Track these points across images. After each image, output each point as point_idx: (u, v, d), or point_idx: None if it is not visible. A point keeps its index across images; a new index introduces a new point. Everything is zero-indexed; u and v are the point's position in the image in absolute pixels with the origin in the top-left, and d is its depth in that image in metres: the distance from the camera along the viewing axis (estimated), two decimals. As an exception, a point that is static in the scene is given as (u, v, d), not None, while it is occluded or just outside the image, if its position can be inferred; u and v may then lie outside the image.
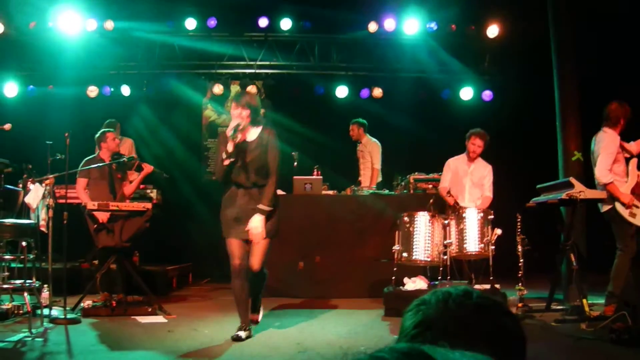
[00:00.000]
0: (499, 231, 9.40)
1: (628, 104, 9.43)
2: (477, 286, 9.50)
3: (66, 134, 8.93)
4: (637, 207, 8.93)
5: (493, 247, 9.38)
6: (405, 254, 9.65)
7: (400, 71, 15.77)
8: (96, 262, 11.03)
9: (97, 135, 10.37)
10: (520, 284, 9.09)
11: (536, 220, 10.40)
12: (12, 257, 8.85)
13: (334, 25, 15.41)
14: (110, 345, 7.15)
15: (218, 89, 16.01)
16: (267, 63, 15.91)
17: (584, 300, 8.61)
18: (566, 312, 9.00)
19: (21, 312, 8.62)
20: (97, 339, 7.55)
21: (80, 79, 15.51)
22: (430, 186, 11.70)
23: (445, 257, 9.52)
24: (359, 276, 11.52)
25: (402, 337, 1.66)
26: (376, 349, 1.40)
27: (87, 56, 15.36)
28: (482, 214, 9.61)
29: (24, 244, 8.48)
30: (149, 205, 9.75)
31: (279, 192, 8.67)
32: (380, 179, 13.34)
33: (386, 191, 12.43)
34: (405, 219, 9.79)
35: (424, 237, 9.62)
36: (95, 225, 9.52)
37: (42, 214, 9.31)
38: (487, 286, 9.26)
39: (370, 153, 13.40)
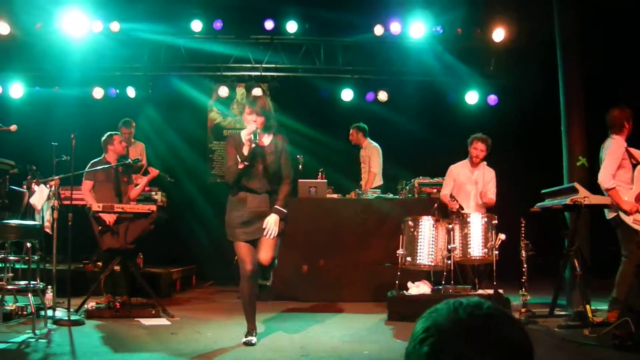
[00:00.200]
0: (502, 236, 9.40)
1: (628, 105, 9.43)
2: (480, 291, 9.52)
3: (72, 136, 8.94)
4: None
5: (497, 252, 9.38)
6: (409, 258, 9.65)
7: (405, 74, 15.79)
8: (100, 263, 11.07)
9: (103, 137, 10.39)
10: (523, 289, 9.11)
11: (540, 226, 10.42)
12: (16, 258, 8.86)
13: (340, 28, 15.41)
14: (114, 347, 7.16)
15: (224, 91, 16.02)
16: (273, 65, 15.93)
17: (587, 306, 8.61)
18: (569, 317, 8.98)
19: (25, 313, 8.63)
20: (101, 340, 7.56)
21: (86, 80, 15.55)
22: (435, 190, 11.68)
23: (449, 261, 9.52)
24: (363, 280, 11.52)
25: (411, 341, 1.69)
26: None
27: (93, 57, 15.38)
28: (486, 219, 9.61)
29: (28, 245, 8.48)
30: (153, 208, 9.75)
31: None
32: (380, 182, 13.34)
33: (390, 195, 12.44)
34: (410, 223, 9.79)
35: (428, 241, 9.61)
36: (100, 227, 9.54)
37: (47, 215, 9.32)
38: (491, 291, 9.26)
39: (370, 157, 13.41)
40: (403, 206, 11.66)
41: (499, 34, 14.71)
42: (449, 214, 10.40)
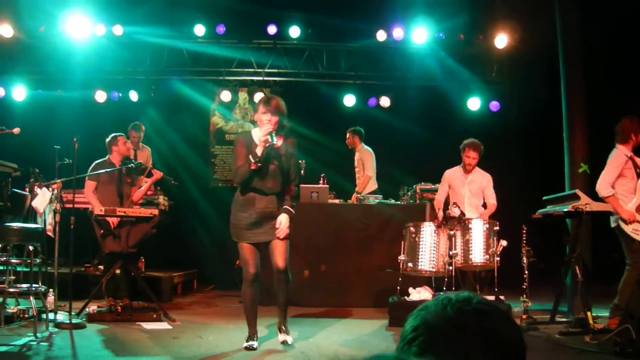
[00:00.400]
0: (504, 242, 9.40)
1: (632, 112, 9.42)
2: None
3: (75, 139, 8.95)
4: None
5: (498, 258, 9.37)
6: (410, 264, 9.66)
7: (408, 80, 15.81)
8: (101, 267, 11.07)
9: (108, 138, 10.40)
10: (524, 296, 9.11)
11: (542, 232, 10.41)
12: (18, 261, 8.87)
13: (343, 33, 15.43)
14: (115, 351, 7.16)
15: (226, 95, 16.04)
16: (276, 70, 15.97)
17: (589, 313, 8.60)
18: (570, 324, 8.97)
19: (26, 316, 8.63)
20: (102, 344, 7.56)
21: (89, 84, 15.59)
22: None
23: (450, 267, 9.51)
24: (364, 285, 11.53)
25: (401, 341, 1.69)
26: (367, 357, 1.43)
27: (96, 61, 15.42)
28: (487, 225, 9.61)
29: (30, 248, 8.50)
30: (155, 212, 9.78)
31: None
32: (375, 186, 13.33)
33: (392, 200, 12.45)
34: (411, 229, 9.80)
35: (430, 247, 9.62)
36: (102, 231, 9.55)
37: (49, 219, 9.33)
38: (492, 297, 9.24)
39: (363, 160, 13.41)
40: (405, 212, 11.68)
41: (501, 41, 14.73)
42: (448, 220, 10.39)
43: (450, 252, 9.53)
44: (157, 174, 10.69)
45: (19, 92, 15.52)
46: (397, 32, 15.12)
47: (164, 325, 8.89)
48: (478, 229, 9.60)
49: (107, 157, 10.31)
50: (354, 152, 13.73)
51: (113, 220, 9.59)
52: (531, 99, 14.48)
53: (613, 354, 7.11)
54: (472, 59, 15.70)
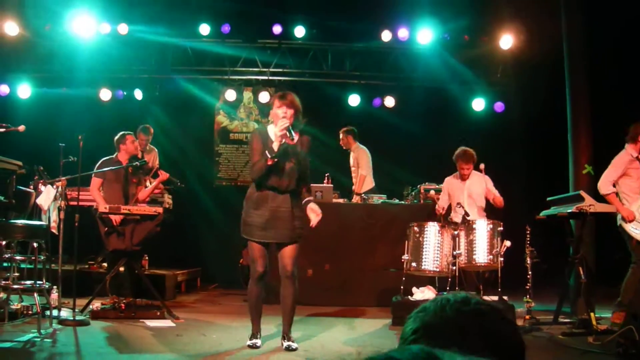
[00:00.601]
0: (508, 243, 9.39)
1: (635, 114, 9.43)
2: (485, 297, 9.50)
3: (80, 137, 8.96)
4: None
5: (502, 258, 9.37)
6: (414, 264, 9.65)
7: (412, 81, 15.81)
8: (105, 264, 11.10)
9: (117, 137, 10.39)
10: (528, 296, 9.12)
11: (545, 233, 10.41)
12: (22, 257, 8.89)
13: (348, 33, 15.45)
14: (119, 348, 7.17)
15: (231, 94, 16.06)
16: (280, 70, 15.98)
17: (592, 314, 8.59)
18: (573, 325, 8.98)
19: (30, 312, 8.64)
20: (106, 341, 7.57)
21: (93, 82, 15.61)
22: (437, 196, 11.66)
23: (454, 267, 9.51)
24: (368, 285, 11.54)
25: (401, 343, 1.70)
26: (390, 350, 1.43)
27: (101, 59, 15.46)
28: (491, 226, 9.60)
29: (35, 245, 8.52)
30: (160, 210, 9.77)
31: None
32: (372, 184, 13.29)
33: (396, 200, 12.45)
34: (415, 229, 9.80)
35: (434, 247, 9.62)
36: (106, 228, 9.56)
37: (54, 216, 9.35)
38: (495, 298, 9.25)
39: (358, 159, 13.39)
40: (409, 212, 11.69)
41: (506, 42, 14.72)
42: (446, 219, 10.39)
43: (454, 252, 9.53)
44: (163, 175, 10.64)
45: (24, 90, 15.56)
46: (402, 33, 15.15)
47: (167, 323, 8.90)
48: (482, 230, 9.59)
49: (114, 155, 10.32)
50: (348, 154, 13.70)
51: (115, 218, 9.59)
52: (536, 100, 14.47)
53: (616, 355, 7.10)
54: (476, 60, 15.70)
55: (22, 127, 9.01)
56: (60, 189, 9.07)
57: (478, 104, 15.82)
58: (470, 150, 10.47)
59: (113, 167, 10.01)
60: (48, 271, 8.88)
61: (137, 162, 10.19)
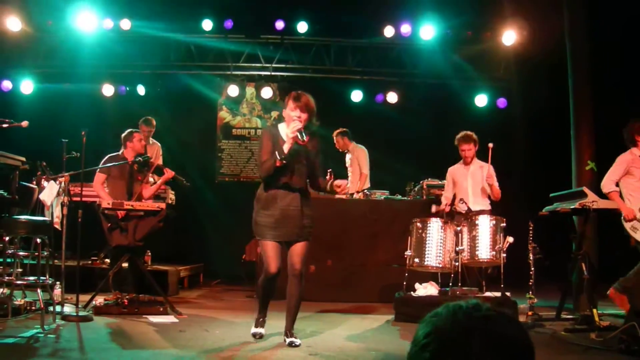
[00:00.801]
0: (510, 239, 9.38)
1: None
2: (487, 293, 9.51)
3: (83, 133, 8.95)
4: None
5: (505, 254, 9.36)
6: (417, 260, 9.65)
7: (415, 76, 15.85)
8: (107, 260, 11.11)
9: (124, 133, 10.38)
10: (530, 293, 9.12)
11: (548, 229, 10.40)
12: (25, 253, 8.90)
13: (350, 29, 15.48)
14: (122, 344, 7.17)
15: (233, 90, 16.06)
16: (283, 65, 15.99)
17: (594, 310, 8.61)
18: (576, 321, 8.98)
19: (34, 308, 8.64)
20: (109, 337, 7.57)
21: (96, 78, 15.63)
22: (438, 207, 11.65)
23: (456, 263, 9.51)
24: (370, 281, 11.56)
25: (413, 346, 1.72)
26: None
27: (103, 55, 15.49)
28: (494, 222, 9.59)
29: (38, 240, 8.52)
30: (163, 205, 9.77)
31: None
32: (368, 184, 13.31)
33: (399, 196, 12.45)
34: (418, 224, 9.79)
35: (436, 243, 9.61)
36: (109, 224, 9.55)
37: (57, 212, 9.35)
38: (498, 294, 9.26)
39: (358, 159, 13.38)
40: (411, 207, 11.70)
41: (509, 37, 14.71)
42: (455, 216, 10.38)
43: (457, 248, 9.53)
44: (169, 173, 10.52)
45: (27, 86, 15.59)
46: (405, 28, 15.18)
47: (170, 319, 8.90)
48: (485, 225, 9.59)
49: (120, 151, 10.32)
50: (344, 154, 13.66)
51: (120, 213, 9.60)
52: (538, 96, 14.47)
53: (618, 351, 7.11)
54: (479, 56, 15.72)
55: (25, 123, 8.99)
56: (63, 184, 9.07)
57: (481, 100, 15.84)
58: (470, 132, 10.47)
59: (117, 163, 10.02)
60: (51, 267, 8.88)
61: (139, 158, 10.17)
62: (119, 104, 15.80)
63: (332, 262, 11.66)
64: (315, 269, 11.48)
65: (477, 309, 1.71)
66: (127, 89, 16.10)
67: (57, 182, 9.04)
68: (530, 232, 9.27)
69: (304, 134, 7.23)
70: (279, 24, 15.48)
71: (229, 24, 15.46)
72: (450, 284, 9.51)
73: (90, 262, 12.00)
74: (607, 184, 9.16)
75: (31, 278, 8.62)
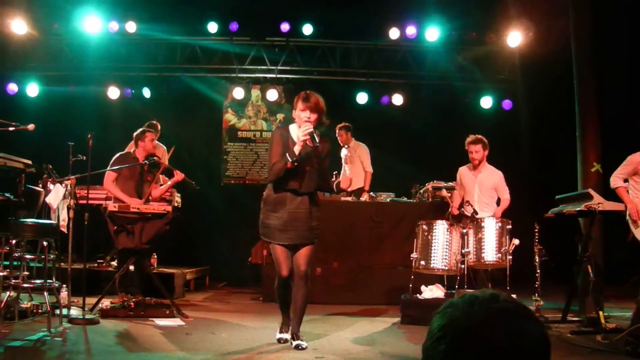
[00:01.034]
0: (516, 241, 9.38)
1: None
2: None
3: (89, 136, 8.96)
4: None
5: (510, 257, 9.37)
6: (423, 262, 9.66)
7: (421, 78, 15.84)
8: (114, 263, 11.13)
9: (136, 132, 10.38)
10: (536, 295, 9.10)
11: (554, 231, 10.39)
12: (32, 256, 8.91)
13: (356, 31, 15.49)
14: (128, 347, 7.18)
15: (239, 92, 16.08)
16: (288, 68, 16.01)
17: (600, 312, 8.60)
18: (582, 323, 8.99)
19: (40, 311, 8.66)
20: (115, 339, 7.57)
21: (102, 80, 15.65)
22: (449, 194, 11.63)
23: (462, 266, 9.51)
24: (376, 283, 11.56)
25: (428, 338, 1.72)
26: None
27: (109, 58, 15.54)
28: (500, 224, 9.60)
29: (44, 243, 8.53)
30: (169, 208, 9.78)
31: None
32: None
33: (404, 198, 12.45)
34: (424, 227, 9.80)
35: (442, 245, 9.62)
36: (116, 227, 9.56)
37: (63, 215, 9.37)
38: (504, 296, 9.25)
39: (361, 157, 13.43)
40: (417, 210, 11.69)
41: (514, 39, 14.70)
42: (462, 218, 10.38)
43: (463, 251, 9.53)
44: (179, 176, 10.41)
45: (32, 89, 15.63)
46: (410, 30, 15.20)
47: (176, 322, 8.91)
48: (490, 228, 9.59)
49: (132, 150, 10.32)
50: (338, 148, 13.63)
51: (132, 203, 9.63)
52: (544, 97, 14.46)
53: (625, 354, 7.10)
54: (484, 58, 15.73)
55: (31, 126, 9.00)
56: (69, 187, 9.09)
57: (486, 102, 15.84)
58: (479, 135, 10.47)
59: (128, 165, 10.01)
60: (57, 270, 8.89)
61: (146, 162, 10.16)
62: (125, 107, 15.82)
63: (337, 264, 11.66)
64: (321, 271, 11.49)
65: (495, 300, 1.70)
66: (133, 91, 16.11)
67: (63, 185, 9.07)
68: (536, 234, 9.26)
69: (315, 137, 7.13)
70: (284, 26, 15.51)
71: (234, 26, 15.50)
72: (457, 287, 9.51)
73: (96, 264, 12.02)
74: (614, 179, 9.14)
75: (37, 281, 8.63)
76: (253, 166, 16.71)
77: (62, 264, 9.18)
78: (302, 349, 7.30)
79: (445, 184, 11.77)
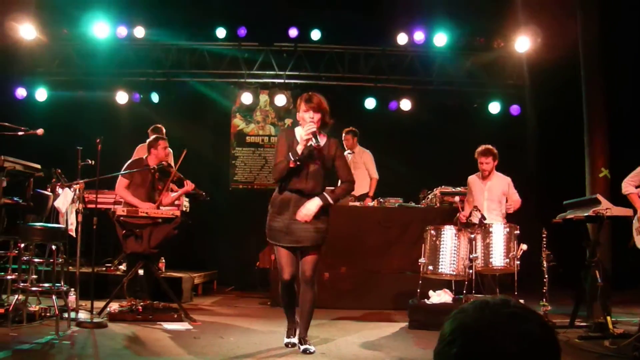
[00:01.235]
0: (524, 246, 9.37)
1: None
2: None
3: (98, 140, 8.99)
4: None
5: (518, 262, 9.36)
6: (431, 267, 9.64)
7: (428, 84, 15.83)
8: (122, 267, 11.15)
9: (150, 139, 10.41)
10: (544, 300, 9.08)
11: (562, 236, 10.38)
12: (40, 260, 8.93)
13: (364, 36, 15.49)
14: (137, 351, 7.19)
15: (247, 98, 16.10)
16: (296, 73, 16.02)
17: (608, 318, 8.58)
18: (590, 328, 8.97)
19: (48, 314, 8.67)
20: (124, 343, 7.58)
21: (110, 85, 15.68)
22: (457, 199, 11.62)
23: (470, 271, 9.50)
24: (384, 288, 11.54)
25: (440, 342, 1.73)
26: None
27: (117, 62, 15.57)
28: (508, 229, 9.59)
29: (53, 247, 8.56)
30: (177, 213, 9.79)
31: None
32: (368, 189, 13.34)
33: (412, 204, 12.45)
34: (432, 232, 9.79)
35: (450, 250, 9.60)
36: (124, 231, 9.58)
37: (71, 219, 9.38)
38: (512, 301, 9.24)
39: (366, 163, 13.40)
40: (425, 215, 11.69)
41: (522, 44, 14.69)
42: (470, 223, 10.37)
43: (471, 256, 9.51)
44: (189, 186, 10.40)
45: (41, 93, 15.68)
46: (418, 36, 15.23)
47: (184, 326, 8.92)
48: (499, 233, 9.58)
49: (144, 157, 10.33)
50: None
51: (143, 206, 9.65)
52: (552, 103, 14.45)
53: (632, 359, 7.09)
54: (492, 63, 15.74)
55: (40, 131, 9.02)
56: (78, 191, 9.10)
57: (494, 107, 15.84)
58: (489, 146, 10.45)
59: (140, 169, 10.01)
60: (66, 274, 8.93)
61: (154, 167, 10.16)
62: (133, 112, 15.86)
63: (345, 269, 11.66)
64: (329, 276, 11.49)
65: (505, 305, 1.71)
66: (141, 96, 16.13)
67: (72, 189, 9.09)
68: (544, 239, 9.25)
69: (318, 138, 7.13)
70: (293, 32, 15.55)
71: (242, 31, 15.54)
72: (464, 292, 9.49)
73: (104, 268, 12.04)
74: (625, 185, 9.11)
75: (46, 285, 8.66)
76: (261, 171, 16.72)
77: (70, 267, 9.21)
78: (310, 353, 7.30)
79: (453, 189, 11.79)
